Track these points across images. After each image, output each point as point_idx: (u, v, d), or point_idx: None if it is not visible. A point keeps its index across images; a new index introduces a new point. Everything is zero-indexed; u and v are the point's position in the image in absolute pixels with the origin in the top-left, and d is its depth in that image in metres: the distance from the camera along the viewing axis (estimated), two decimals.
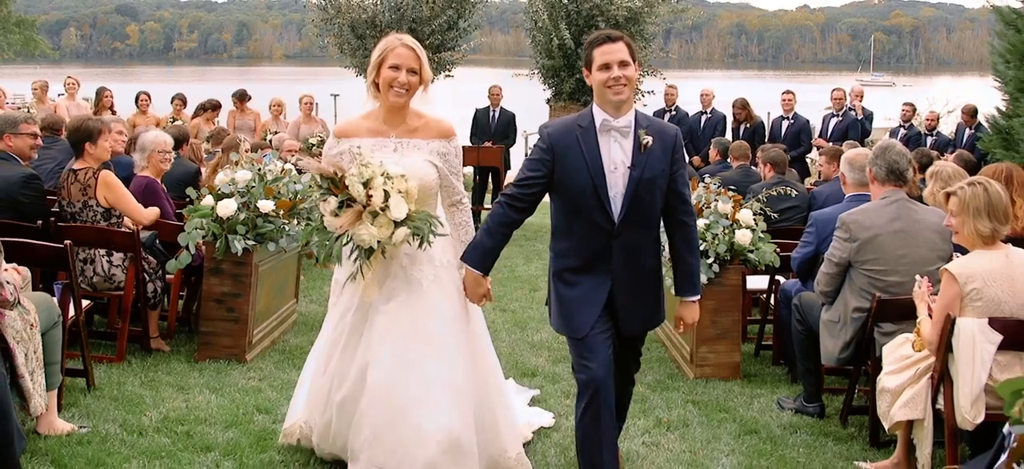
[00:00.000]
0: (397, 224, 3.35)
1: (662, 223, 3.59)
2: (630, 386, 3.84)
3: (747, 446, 4.42)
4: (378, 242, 3.38)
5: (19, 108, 10.05)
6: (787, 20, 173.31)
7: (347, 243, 3.42)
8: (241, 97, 11.53)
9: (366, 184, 3.31)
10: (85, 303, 4.86)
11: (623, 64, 3.34)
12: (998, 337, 3.70)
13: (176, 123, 9.76)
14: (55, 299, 4.28)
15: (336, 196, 3.36)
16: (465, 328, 3.66)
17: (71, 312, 4.49)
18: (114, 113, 9.43)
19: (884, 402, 4.11)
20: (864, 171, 5.24)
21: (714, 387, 5.31)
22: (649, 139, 3.36)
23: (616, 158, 3.37)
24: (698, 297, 3.60)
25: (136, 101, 11.18)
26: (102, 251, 5.10)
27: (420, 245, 3.44)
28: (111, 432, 4.14)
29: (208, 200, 5.23)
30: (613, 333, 3.49)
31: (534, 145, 3.57)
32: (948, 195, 3.95)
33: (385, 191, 3.32)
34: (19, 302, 3.71)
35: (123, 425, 4.23)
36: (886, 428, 4.17)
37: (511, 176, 9.59)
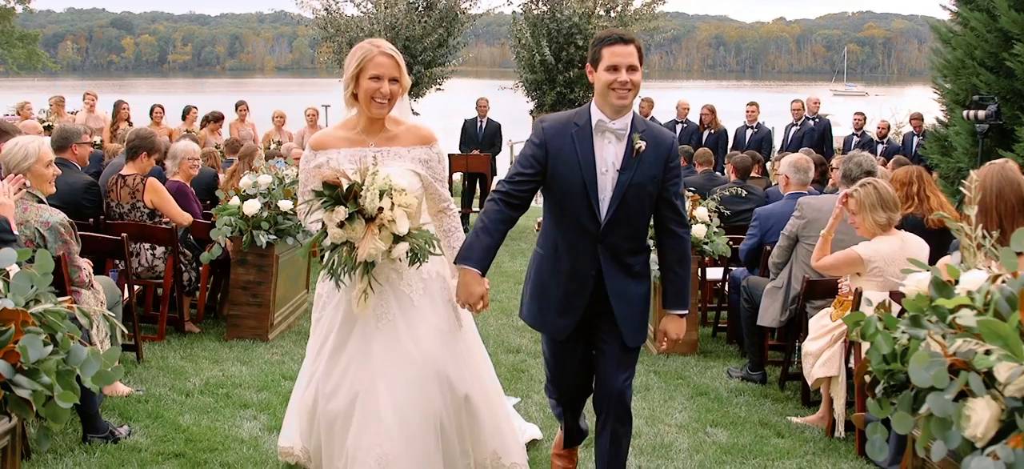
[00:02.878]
0: (397, 239, 3.19)
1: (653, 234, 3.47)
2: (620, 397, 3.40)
3: (698, 405, 5.21)
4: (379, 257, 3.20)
5: (41, 121, 10.73)
6: (764, 32, 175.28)
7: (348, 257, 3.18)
8: (247, 108, 12.35)
9: (380, 196, 3.14)
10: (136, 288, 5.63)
11: (631, 69, 3.21)
12: (897, 307, 4.55)
13: (187, 133, 10.51)
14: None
15: (345, 206, 3.13)
16: (458, 340, 3.54)
17: (124, 294, 5.26)
18: (131, 125, 10.15)
19: (808, 363, 4.93)
20: (806, 172, 6.18)
21: (673, 360, 6.10)
22: (643, 144, 3.23)
23: (608, 160, 3.26)
24: (685, 312, 3.39)
25: (151, 113, 11.87)
26: (147, 244, 5.87)
27: (415, 264, 3.28)
28: (163, 393, 4.90)
29: (234, 201, 6.01)
30: (599, 343, 3.42)
31: (528, 139, 3.44)
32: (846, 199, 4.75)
33: (393, 203, 3.17)
34: (92, 284, 4.49)
35: (172, 388, 4.99)
36: (809, 385, 5.02)
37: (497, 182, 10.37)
